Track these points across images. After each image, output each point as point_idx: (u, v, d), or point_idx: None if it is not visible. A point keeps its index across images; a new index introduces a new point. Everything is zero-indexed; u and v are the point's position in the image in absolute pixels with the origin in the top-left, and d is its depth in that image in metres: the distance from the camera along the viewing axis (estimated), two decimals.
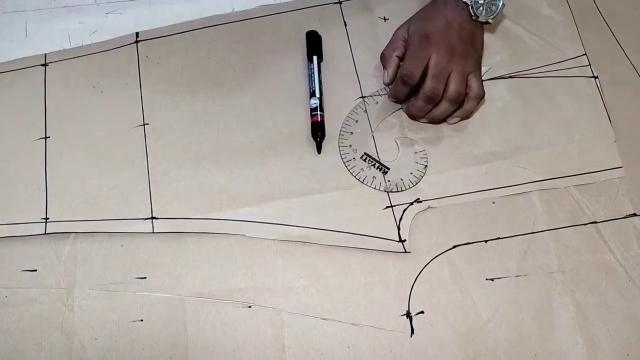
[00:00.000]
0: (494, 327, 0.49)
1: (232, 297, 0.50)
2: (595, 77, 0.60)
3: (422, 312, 0.50)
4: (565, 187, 0.55)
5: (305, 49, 0.61)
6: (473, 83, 0.55)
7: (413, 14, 0.58)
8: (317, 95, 0.57)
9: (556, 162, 0.56)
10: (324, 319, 0.49)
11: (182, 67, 0.60)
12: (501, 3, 0.56)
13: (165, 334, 0.49)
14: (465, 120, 0.57)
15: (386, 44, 0.58)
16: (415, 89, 0.55)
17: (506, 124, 0.58)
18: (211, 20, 0.62)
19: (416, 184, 0.55)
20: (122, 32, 0.62)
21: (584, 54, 0.61)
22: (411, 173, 0.55)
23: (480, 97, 0.55)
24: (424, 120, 0.57)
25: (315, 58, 0.59)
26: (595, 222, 0.53)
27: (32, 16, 0.63)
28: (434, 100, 0.54)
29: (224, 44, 0.61)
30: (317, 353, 0.48)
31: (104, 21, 0.63)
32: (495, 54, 0.61)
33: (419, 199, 0.54)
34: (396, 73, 0.56)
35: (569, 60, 0.61)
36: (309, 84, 0.59)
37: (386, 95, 0.59)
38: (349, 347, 0.48)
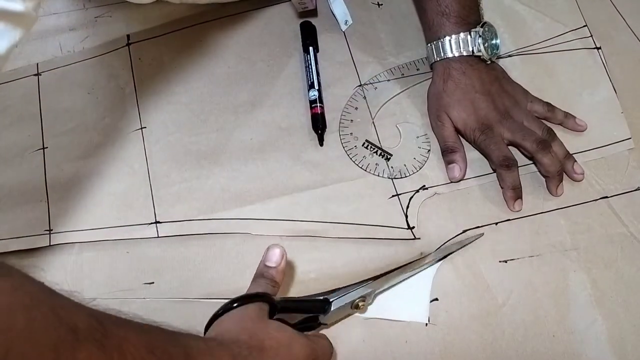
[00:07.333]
0: (510, 310, 0.48)
1: None
2: (598, 48, 0.59)
3: (437, 299, 0.49)
4: None
5: (300, 40, 0.60)
6: (536, 107, 0.55)
7: (437, 94, 0.54)
8: (316, 86, 0.56)
9: (563, 139, 0.54)
10: None
11: (176, 66, 0.59)
12: (498, 40, 0.55)
13: None
14: None
15: (433, 126, 0.55)
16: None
17: None
18: (202, 17, 0.61)
19: (420, 169, 0.54)
20: (113, 36, 0.61)
21: (584, 26, 0.60)
22: (414, 158, 0.54)
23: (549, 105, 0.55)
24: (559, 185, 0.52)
25: (311, 49, 0.58)
26: (606, 197, 0.52)
27: None
28: (547, 146, 0.52)
29: (216, 41, 0.60)
30: None
31: (94, 26, 0.62)
32: None
33: (424, 186, 0.53)
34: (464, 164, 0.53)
35: (569, 33, 0.60)
36: (307, 75, 0.58)
37: (384, 82, 0.58)
38: (363, 340, 0.48)
